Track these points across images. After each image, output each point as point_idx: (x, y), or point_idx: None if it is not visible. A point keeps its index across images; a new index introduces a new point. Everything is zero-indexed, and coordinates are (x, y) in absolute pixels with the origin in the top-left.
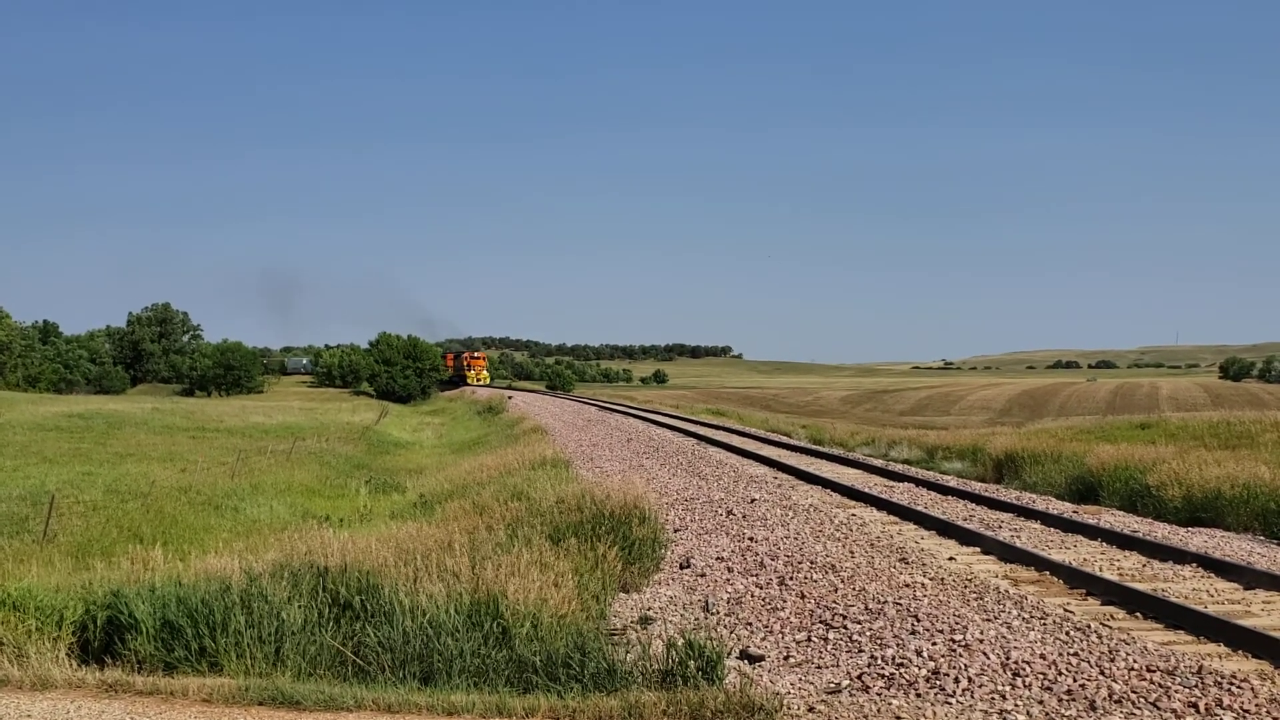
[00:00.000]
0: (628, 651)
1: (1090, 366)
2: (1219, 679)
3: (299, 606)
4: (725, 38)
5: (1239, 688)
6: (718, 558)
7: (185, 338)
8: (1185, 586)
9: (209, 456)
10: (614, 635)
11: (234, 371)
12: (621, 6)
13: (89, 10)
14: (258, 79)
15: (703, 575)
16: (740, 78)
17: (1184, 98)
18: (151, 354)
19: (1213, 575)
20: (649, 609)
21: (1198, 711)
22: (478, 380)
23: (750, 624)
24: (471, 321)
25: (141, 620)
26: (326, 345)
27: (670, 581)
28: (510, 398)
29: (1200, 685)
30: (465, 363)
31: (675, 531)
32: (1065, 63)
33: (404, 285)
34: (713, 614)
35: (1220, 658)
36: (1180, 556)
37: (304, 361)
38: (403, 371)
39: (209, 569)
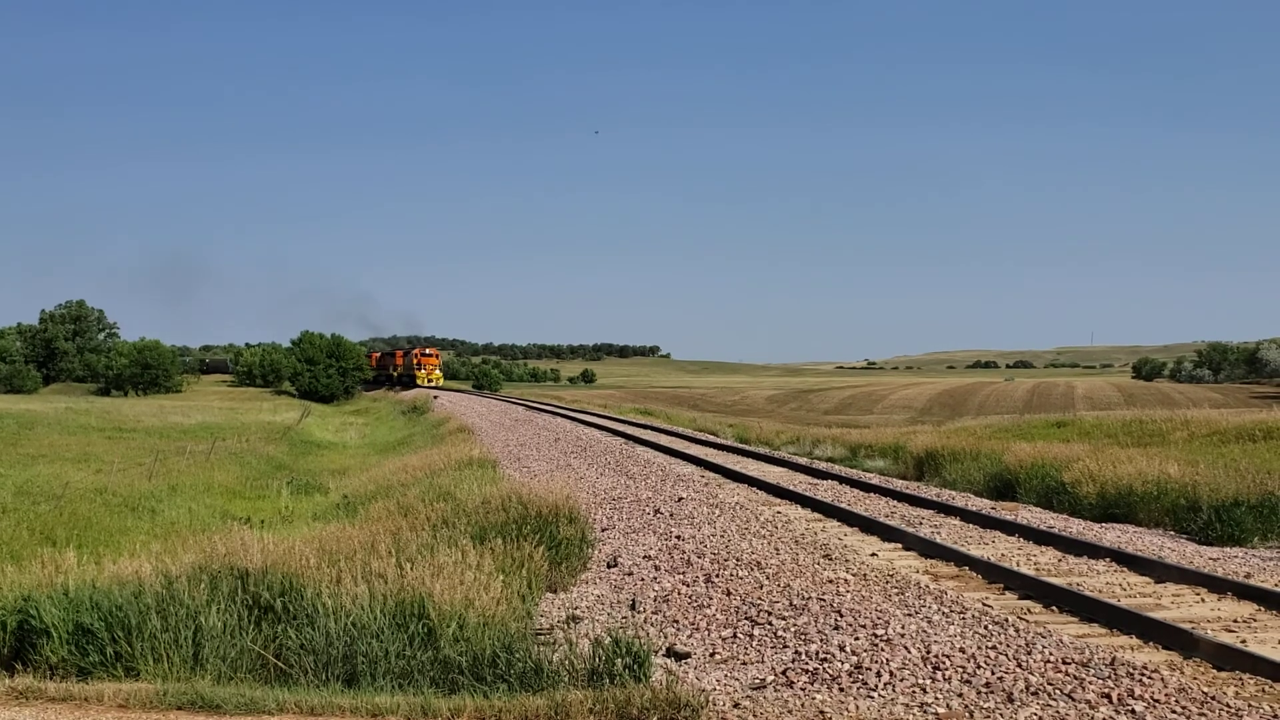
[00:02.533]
0: (554, 651)
1: (1008, 366)
2: (1131, 670)
3: (218, 610)
4: (640, 36)
5: (1150, 678)
6: (645, 556)
7: (101, 336)
8: (1099, 581)
9: (125, 457)
10: (540, 635)
11: (151, 371)
12: (538, 8)
13: None
14: (188, 78)
15: (630, 574)
16: (660, 75)
17: (1097, 98)
18: (65, 352)
19: (1126, 570)
20: (576, 608)
21: (1111, 702)
22: (429, 381)
23: (677, 622)
24: (394, 319)
25: (53, 625)
26: (247, 344)
27: (597, 580)
28: (435, 397)
29: (1113, 676)
30: (415, 361)
31: (603, 531)
32: (976, 58)
33: (325, 282)
34: (640, 612)
35: (1133, 649)
36: (1095, 551)
37: (224, 360)
38: (326, 371)
39: (124, 572)
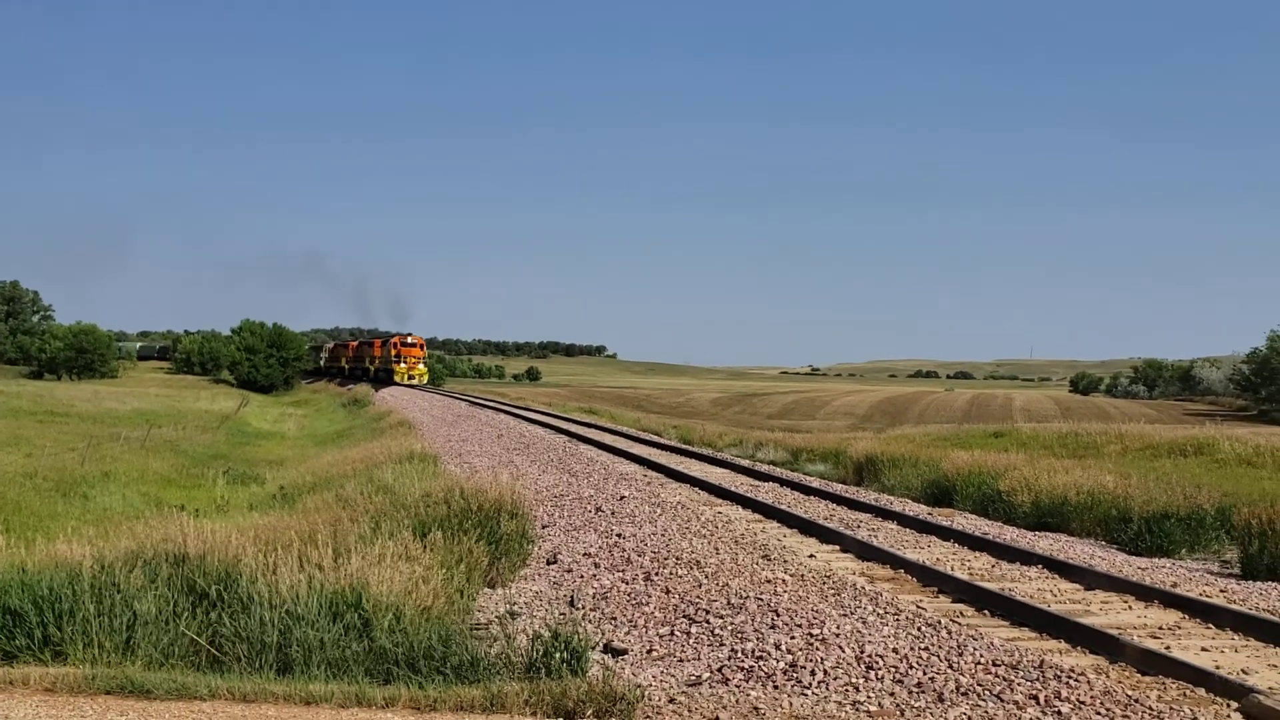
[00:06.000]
0: (492, 644)
1: (949, 377)
2: (1059, 673)
3: (153, 595)
4: (591, 35)
5: (1077, 681)
6: (585, 554)
7: (35, 318)
8: (1031, 586)
9: (57, 442)
10: (478, 630)
11: (87, 355)
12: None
13: None
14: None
15: (569, 571)
16: (608, 72)
17: (1045, 111)
18: None
19: (1057, 576)
20: (514, 604)
21: (1038, 703)
22: (409, 378)
23: (615, 619)
24: (338, 311)
25: None
26: (186, 331)
27: (536, 577)
28: (375, 389)
29: (1041, 678)
30: (394, 351)
31: (543, 528)
32: (919, 63)
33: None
34: (578, 609)
35: (1061, 653)
36: (1027, 558)
37: (163, 347)
38: (266, 360)
39: (57, 556)
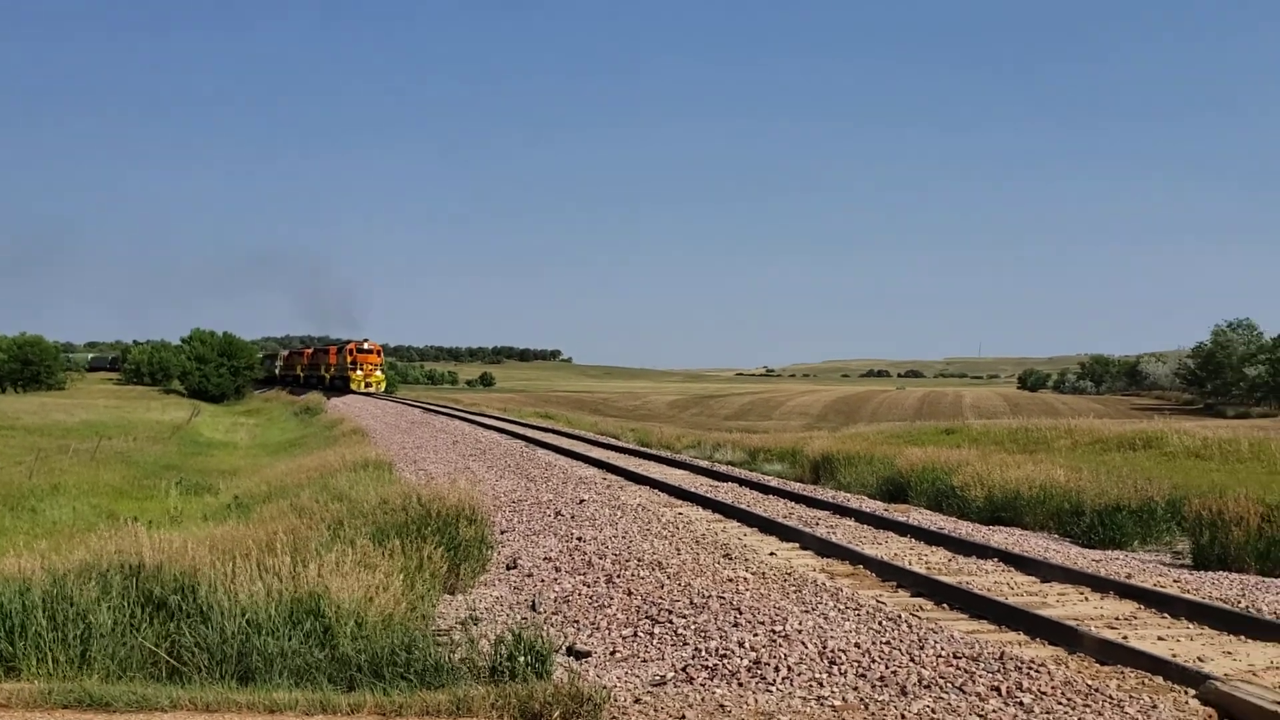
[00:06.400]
0: (456, 649)
1: (900, 375)
2: (1019, 664)
3: (108, 607)
4: (539, 40)
5: (1037, 671)
6: (545, 558)
7: None
8: (988, 580)
9: (3, 455)
10: (439, 636)
11: (33, 366)
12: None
13: None
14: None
15: (530, 575)
16: (559, 77)
17: (992, 105)
18: None
19: (1013, 569)
20: (475, 609)
21: (1000, 694)
22: (366, 385)
23: (578, 622)
24: (290, 319)
25: None
26: (135, 341)
27: (497, 582)
28: (328, 397)
29: (1002, 670)
30: (350, 359)
31: (502, 533)
32: (873, 58)
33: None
34: (540, 612)
35: (1020, 645)
36: (983, 552)
37: (112, 358)
38: (217, 369)
39: (6, 570)
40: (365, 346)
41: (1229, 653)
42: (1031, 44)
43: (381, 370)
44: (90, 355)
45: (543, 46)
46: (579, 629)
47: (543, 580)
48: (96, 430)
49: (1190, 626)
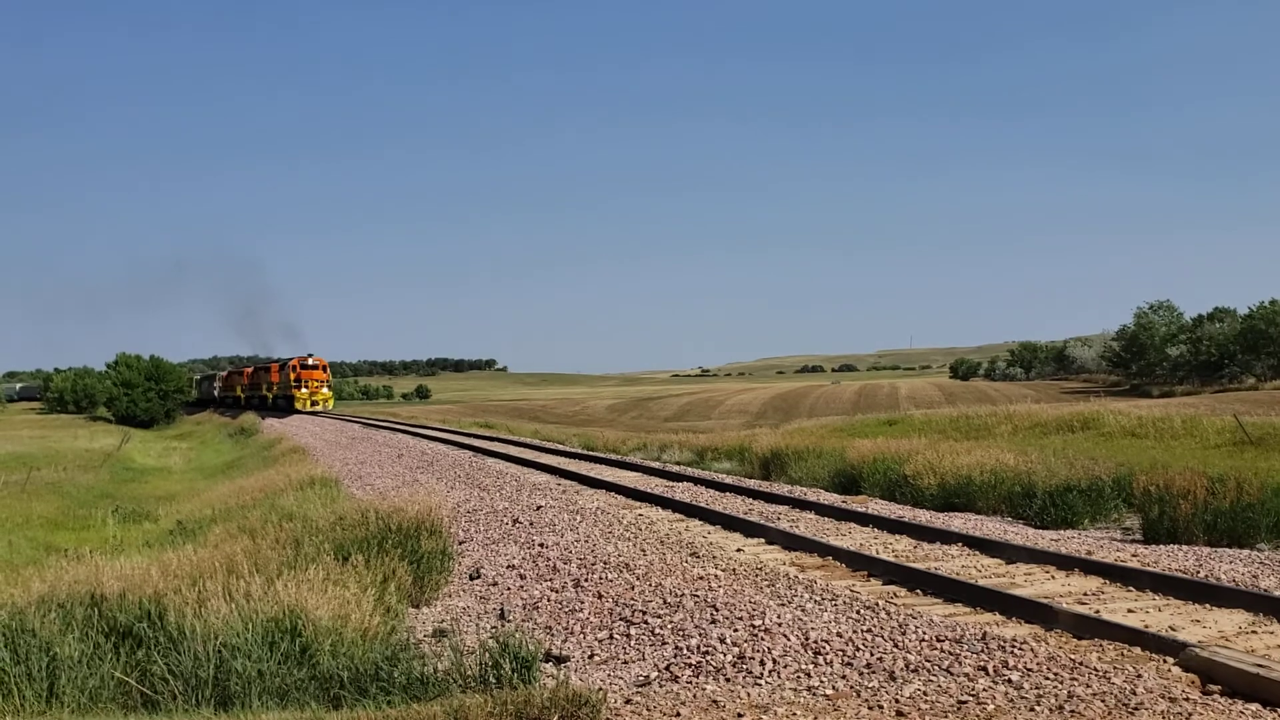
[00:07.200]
0: (440, 660)
1: (834, 370)
2: (1002, 643)
3: (73, 638)
4: (458, 47)
5: (1020, 649)
6: (509, 566)
7: None
8: (955, 564)
9: None
10: (415, 648)
11: None
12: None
13: None
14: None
15: (495, 584)
16: (479, 83)
17: (917, 96)
18: None
19: (977, 553)
20: (442, 621)
21: (988, 673)
22: (312, 404)
23: (550, 628)
24: (218, 339)
25: None
26: (56, 369)
27: (461, 593)
28: (263, 417)
29: (986, 650)
30: (294, 375)
31: (461, 544)
32: (815, 58)
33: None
34: (509, 621)
35: (999, 625)
36: (947, 537)
37: (33, 388)
38: (145, 394)
39: None
40: (310, 362)
41: (1198, 620)
42: (954, 39)
43: (329, 387)
44: (18, 385)
45: (450, 50)
46: (552, 635)
47: (508, 588)
48: (23, 461)
49: (1156, 598)
